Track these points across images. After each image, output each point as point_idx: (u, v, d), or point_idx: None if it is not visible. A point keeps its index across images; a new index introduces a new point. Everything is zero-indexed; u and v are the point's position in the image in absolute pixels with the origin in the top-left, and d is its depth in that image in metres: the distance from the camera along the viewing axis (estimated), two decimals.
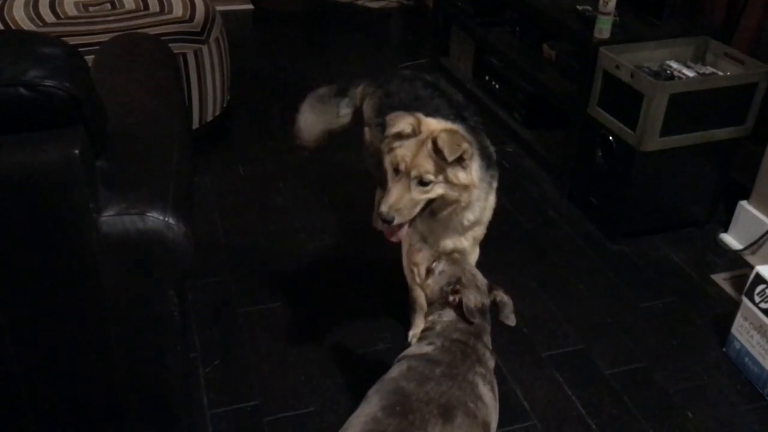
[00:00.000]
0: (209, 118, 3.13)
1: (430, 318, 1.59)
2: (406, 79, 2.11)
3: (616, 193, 2.62)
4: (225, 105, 3.26)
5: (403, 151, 1.69)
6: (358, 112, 2.28)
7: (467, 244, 1.93)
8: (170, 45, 2.37)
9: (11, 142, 1.27)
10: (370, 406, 1.39)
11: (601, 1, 2.52)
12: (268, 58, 4.09)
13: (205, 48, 2.96)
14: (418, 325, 2.10)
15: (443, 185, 1.69)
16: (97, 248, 1.35)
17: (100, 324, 1.45)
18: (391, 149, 1.72)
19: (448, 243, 1.90)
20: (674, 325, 2.32)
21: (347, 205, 2.82)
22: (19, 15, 2.84)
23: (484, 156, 1.83)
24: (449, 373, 1.44)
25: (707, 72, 2.53)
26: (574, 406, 2.02)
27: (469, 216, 1.84)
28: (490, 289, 1.59)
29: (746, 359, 2.13)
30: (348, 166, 3.00)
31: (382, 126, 1.93)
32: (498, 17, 3.48)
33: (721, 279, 2.52)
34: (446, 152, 1.62)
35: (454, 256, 1.66)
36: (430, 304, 1.63)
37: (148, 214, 1.36)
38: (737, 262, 2.60)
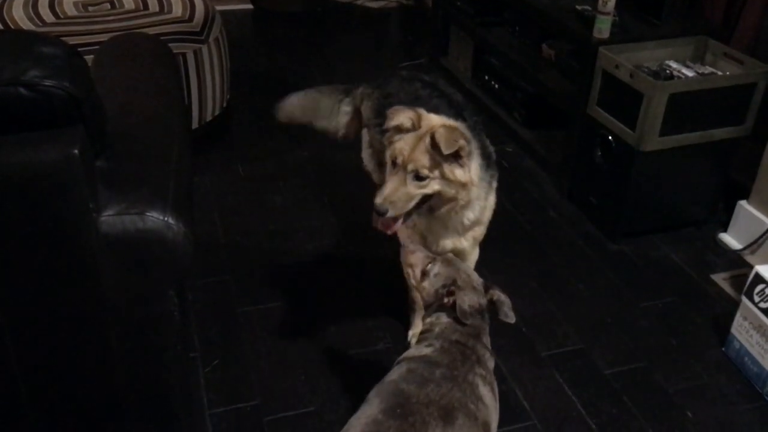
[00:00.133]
0: (209, 117, 3.13)
1: (428, 320, 1.59)
2: (405, 80, 2.11)
3: (615, 193, 2.62)
4: (224, 105, 3.25)
5: (402, 145, 1.69)
6: (357, 114, 2.27)
7: (467, 244, 1.93)
8: (170, 45, 2.36)
9: (11, 142, 1.27)
10: (371, 407, 1.38)
11: (600, 1, 2.52)
12: (267, 57, 4.09)
13: (204, 48, 2.96)
14: (418, 325, 2.10)
15: (440, 181, 1.69)
16: (96, 248, 1.34)
17: (99, 324, 1.45)
18: (391, 142, 1.73)
19: (448, 243, 1.90)
20: (674, 325, 2.32)
21: (347, 205, 2.82)
22: (19, 15, 2.83)
23: (484, 155, 1.83)
24: (449, 374, 1.44)
25: (706, 72, 2.54)
26: (573, 405, 2.03)
27: (469, 215, 1.84)
28: (487, 289, 1.58)
29: (746, 359, 2.13)
30: (348, 166, 2.99)
31: (381, 126, 1.93)
32: (497, 17, 3.48)
33: (720, 279, 2.52)
34: (442, 147, 1.62)
35: (448, 257, 1.64)
36: (426, 306, 1.62)
37: (148, 213, 1.36)
38: (737, 262, 2.60)
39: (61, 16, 2.87)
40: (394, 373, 1.48)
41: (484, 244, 2.03)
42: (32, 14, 2.85)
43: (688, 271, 2.56)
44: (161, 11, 2.98)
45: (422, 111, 1.75)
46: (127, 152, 1.51)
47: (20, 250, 1.33)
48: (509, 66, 3.32)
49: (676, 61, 2.60)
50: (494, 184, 1.91)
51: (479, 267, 2.07)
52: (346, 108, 2.30)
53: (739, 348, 2.16)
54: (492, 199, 1.92)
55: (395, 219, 1.72)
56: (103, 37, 2.52)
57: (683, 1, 2.82)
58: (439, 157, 1.65)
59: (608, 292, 2.45)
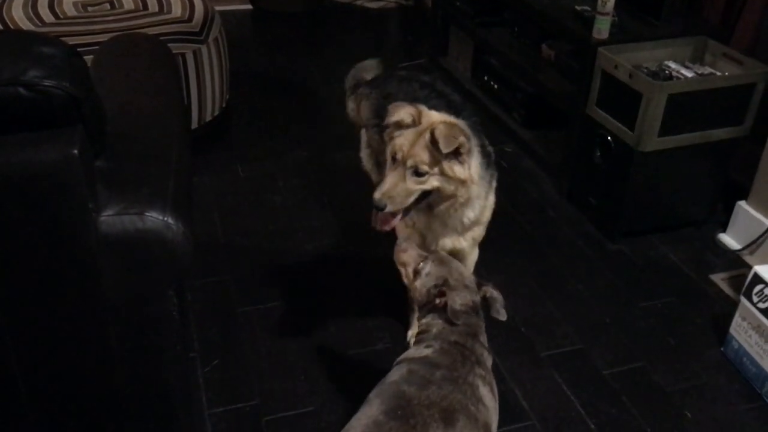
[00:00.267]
0: (208, 118, 3.13)
1: (424, 321, 1.58)
2: (403, 80, 2.11)
3: (614, 193, 2.62)
4: (224, 105, 3.26)
5: (402, 141, 1.70)
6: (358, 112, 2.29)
7: (466, 244, 1.93)
8: (169, 45, 2.37)
9: (11, 142, 1.27)
10: (372, 409, 1.38)
11: (599, 1, 2.52)
12: (267, 58, 4.09)
13: (204, 48, 2.96)
14: (417, 325, 2.10)
15: (439, 177, 1.70)
16: (96, 248, 1.35)
17: (99, 324, 1.45)
18: (391, 138, 1.73)
19: (447, 242, 1.90)
20: (673, 325, 2.32)
21: (347, 205, 2.82)
22: (18, 15, 2.84)
23: (484, 154, 1.83)
24: (450, 376, 1.44)
25: (706, 72, 2.54)
26: (572, 405, 2.03)
27: (469, 214, 1.84)
28: (479, 286, 1.57)
29: (744, 359, 2.14)
30: (348, 166, 2.99)
31: (379, 127, 1.93)
32: (497, 17, 3.48)
33: (719, 279, 2.53)
34: (441, 144, 1.63)
35: (440, 255, 1.63)
36: (420, 306, 1.62)
37: (147, 213, 1.36)
38: (736, 262, 2.60)
39: (61, 17, 2.87)
40: (395, 374, 1.48)
41: (484, 245, 2.03)
42: (32, 14, 2.85)
43: (687, 271, 2.56)
44: (161, 11, 2.98)
45: (423, 107, 1.76)
46: (126, 152, 1.51)
47: (20, 250, 1.33)
48: (509, 66, 3.32)
49: (676, 61, 2.60)
50: (494, 184, 1.91)
51: (479, 267, 2.07)
52: (350, 105, 2.33)
53: (737, 348, 2.16)
54: (492, 199, 1.92)
55: (393, 214, 1.72)
56: (103, 38, 2.52)
57: (682, 1, 2.82)
58: (438, 153, 1.66)
59: (607, 292, 2.45)
